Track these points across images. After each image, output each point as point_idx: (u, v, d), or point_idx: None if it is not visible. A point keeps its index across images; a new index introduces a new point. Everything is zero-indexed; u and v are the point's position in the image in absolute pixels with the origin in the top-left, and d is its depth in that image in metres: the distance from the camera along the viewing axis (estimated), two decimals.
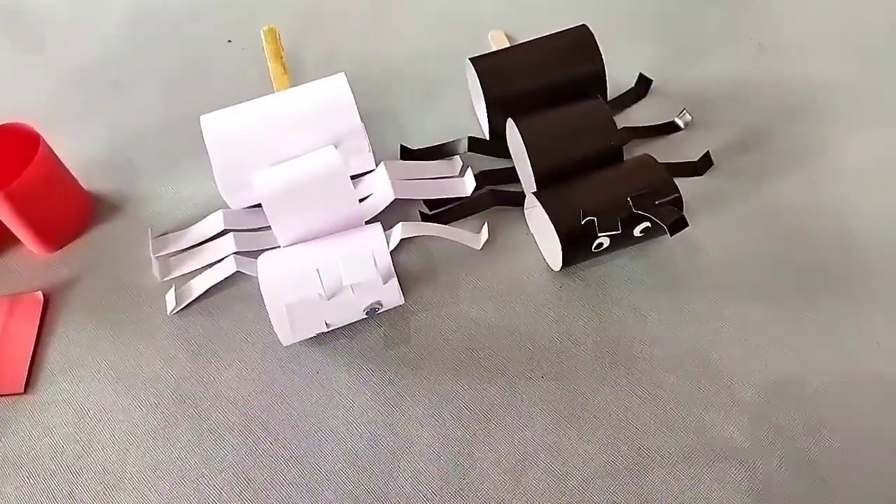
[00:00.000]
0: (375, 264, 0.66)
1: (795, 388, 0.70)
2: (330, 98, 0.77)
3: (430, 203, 0.83)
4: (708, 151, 0.84)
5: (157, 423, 0.71)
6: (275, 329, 0.68)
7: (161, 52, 1.02)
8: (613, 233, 0.69)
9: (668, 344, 0.74)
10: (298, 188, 0.71)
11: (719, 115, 0.90)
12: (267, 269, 0.69)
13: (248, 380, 0.74)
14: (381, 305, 0.71)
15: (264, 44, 0.90)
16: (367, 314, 0.71)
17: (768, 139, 0.88)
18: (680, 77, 0.93)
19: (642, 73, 0.91)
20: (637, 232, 0.73)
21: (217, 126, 0.76)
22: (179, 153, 0.90)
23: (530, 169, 0.77)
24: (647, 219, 0.71)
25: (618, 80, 0.91)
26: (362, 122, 0.77)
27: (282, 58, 0.90)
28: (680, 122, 0.88)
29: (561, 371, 0.72)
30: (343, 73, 0.79)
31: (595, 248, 0.73)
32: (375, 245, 0.70)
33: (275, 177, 0.72)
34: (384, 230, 0.76)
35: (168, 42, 1.04)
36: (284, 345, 0.72)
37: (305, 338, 0.72)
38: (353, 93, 0.78)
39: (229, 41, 1.02)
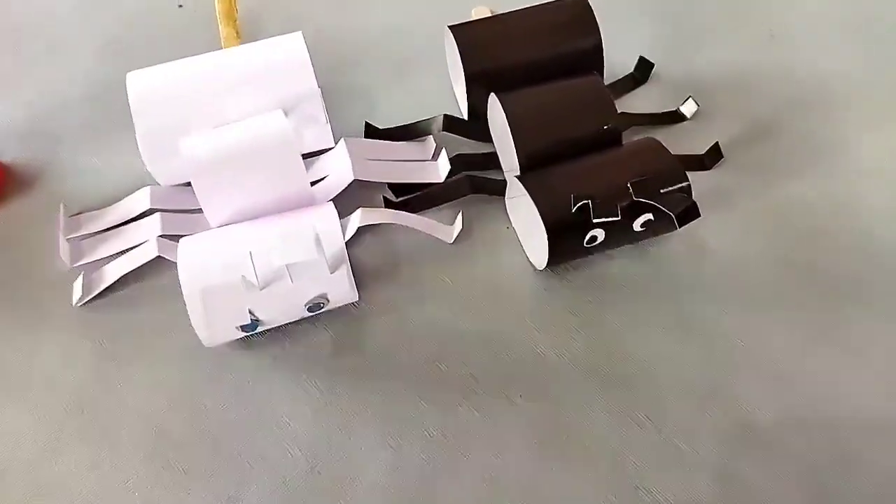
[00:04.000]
0: (319, 244, 0.54)
1: (821, 416, 0.59)
2: (282, 57, 0.65)
3: (396, 188, 0.71)
4: (717, 143, 0.74)
5: (47, 437, 0.59)
6: (193, 325, 0.56)
7: (103, 13, 0.91)
8: (611, 219, 0.57)
9: (670, 360, 0.62)
10: (234, 156, 0.59)
11: (727, 105, 0.80)
12: (188, 251, 0.57)
13: (163, 388, 0.61)
14: (328, 301, 0.58)
15: (216, 2, 0.79)
16: (309, 310, 0.58)
17: (781, 132, 0.78)
18: (684, 62, 0.83)
19: (643, 56, 0.81)
20: (637, 226, 0.62)
21: (145, 83, 0.64)
22: (112, 124, 0.78)
23: (514, 151, 0.66)
24: (649, 210, 0.60)
25: (615, 63, 0.81)
26: (320, 88, 0.66)
27: (235, 20, 0.78)
28: (685, 112, 0.78)
29: (544, 391, 0.61)
30: (300, 33, 0.68)
31: (587, 243, 0.61)
32: (324, 223, 0.58)
33: (205, 142, 0.60)
34: (341, 217, 0.64)
35: (111, 3, 0.92)
36: (206, 345, 0.59)
37: (231, 337, 0.59)
38: (314, 63, 0.66)
39: (180, 6, 0.90)
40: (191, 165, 0.58)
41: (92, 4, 0.92)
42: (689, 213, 0.58)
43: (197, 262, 0.56)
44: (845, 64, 0.84)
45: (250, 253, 0.54)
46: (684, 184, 0.61)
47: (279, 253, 0.53)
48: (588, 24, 0.72)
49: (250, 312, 0.56)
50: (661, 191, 0.60)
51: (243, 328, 0.57)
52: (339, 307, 0.63)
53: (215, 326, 0.56)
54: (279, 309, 0.57)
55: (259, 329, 0.58)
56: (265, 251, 0.54)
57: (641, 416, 0.59)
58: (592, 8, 0.73)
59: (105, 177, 0.74)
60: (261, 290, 0.54)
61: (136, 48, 0.87)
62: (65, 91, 0.83)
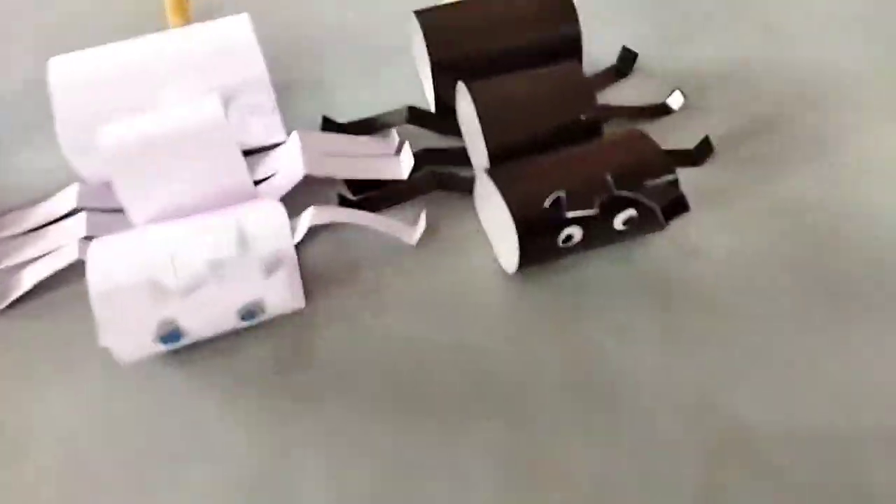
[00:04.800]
0: (244, 240, 0.47)
1: (828, 435, 0.52)
2: (224, 40, 0.59)
3: (354, 186, 0.65)
4: (707, 137, 0.68)
5: None
6: (101, 338, 0.48)
7: (45, 8, 0.85)
8: (587, 213, 0.50)
9: (660, 376, 0.55)
10: (157, 146, 0.52)
11: (719, 99, 0.73)
12: (99, 252, 0.49)
13: (80, 408, 0.53)
14: (264, 309, 0.51)
15: None
16: (242, 319, 0.51)
17: (778, 127, 0.71)
18: (670, 54, 0.77)
19: (626, 46, 0.76)
20: (619, 223, 0.55)
21: (68, 68, 0.58)
22: (45, 120, 0.70)
23: (483, 144, 0.60)
24: (632, 205, 0.53)
25: (595, 55, 0.75)
26: (270, 75, 0.60)
27: (186, 11, 0.73)
28: (671, 104, 0.72)
29: (514, 409, 0.53)
30: (246, 14, 0.62)
31: (563, 242, 0.55)
32: (260, 218, 0.51)
33: (124, 130, 0.53)
34: (291, 217, 0.58)
35: None
36: (122, 361, 0.51)
37: (150, 352, 0.52)
38: (270, 55, 0.60)
39: None
40: (107, 156, 0.52)
41: None
42: (677, 206, 0.52)
43: (107, 264, 0.48)
44: (846, 57, 0.78)
45: (170, 252, 0.47)
46: (671, 176, 0.55)
47: (201, 249, 0.46)
48: (565, 9, 0.67)
49: (171, 321, 0.48)
50: (645, 183, 0.54)
51: (163, 340, 0.49)
52: (283, 316, 0.56)
53: (128, 338, 0.48)
54: (206, 318, 0.50)
55: (183, 341, 0.51)
56: (185, 250, 0.47)
57: (625, 436, 0.52)
58: None
59: (32, 174, 0.67)
60: (181, 295, 0.47)
61: (81, 44, 0.80)
62: None
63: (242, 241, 0.48)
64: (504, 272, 0.60)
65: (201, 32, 0.60)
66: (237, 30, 0.60)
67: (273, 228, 0.52)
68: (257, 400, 0.53)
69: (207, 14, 0.81)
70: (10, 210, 0.64)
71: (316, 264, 0.60)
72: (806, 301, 0.59)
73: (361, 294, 0.59)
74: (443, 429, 0.53)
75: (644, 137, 0.58)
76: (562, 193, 0.51)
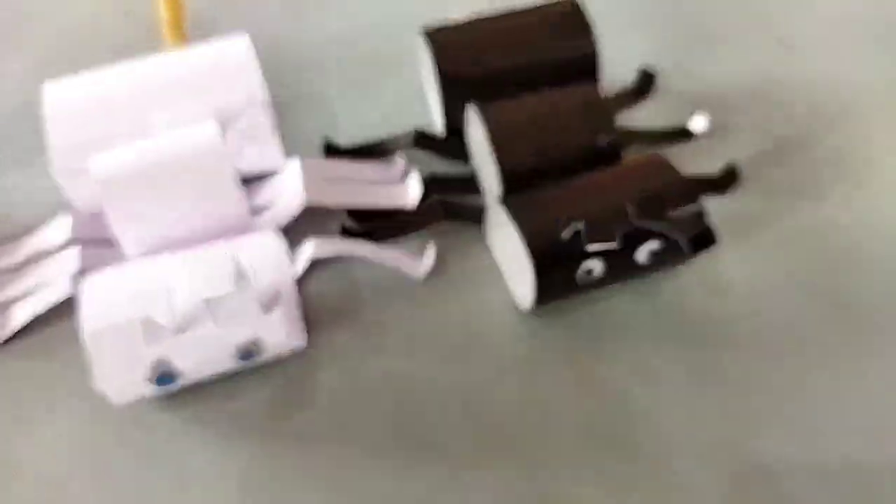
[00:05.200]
0: (241, 276, 0.44)
1: (859, 475, 0.48)
2: (222, 61, 0.57)
3: (357, 215, 0.62)
4: (733, 163, 0.64)
5: None
6: (94, 377, 0.45)
7: (39, 24, 0.83)
8: (608, 246, 0.47)
9: (686, 421, 0.51)
10: (151, 176, 0.50)
11: (741, 121, 0.70)
12: (92, 290, 0.47)
13: (66, 449, 0.50)
14: (262, 349, 0.48)
15: (162, 10, 0.71)
16: (241, 358, 0.48)
17: (801, 149, 0.67)
18: (689, 74, 0.74)
19: (644, 66, 0.72)
20: (642, 256, 0.51)
21: (63, 93, 0.56)
22: (38, 146, 0.69)
23: (495, 171, 0.56)
24: (655, 236, 0.50)
25: (615, 76, 0.72)
26: (270, 98, 0.57)
27: (182, 29, 0.70)
28: (694, 128, 0.68)
29: (529, 457, 0.50)
30: (246, 35, 0.59)
31: (582, 277, 0.51)
32: (257, 251, 0.48)
33: (117, 159, 0.50)
34: (291, 248, 0.55)
35: (52, 11, 0.85)
36: (115, 402, 0.48)
37: (143, 393, 0.49)
38: (269, 74, 0.58)
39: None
40: (99, 187, 0.49)
41: (28, 14, 0.84)
42: (703, 238, 0.48)
43: (99, 302, 0.45)
44: (870, 74, 0.75)
45: (164, 289, 0.44)
46: (695, 205, 0.51)
47: (183, 284, 0.43)
48: (581, 26, 0.64)
49: (164, 362, 0.45)
50: (669, 213, 0.50)
51: (158, 381, 0.46)
52: (283, 355, 0.53)
53: (121, 379, 0.45)
54: (201, 358, 0.47)
55: (178, 383, 0.48)
56: (179, 286, 0.44)
57: (649, 489, 0.48)
58: (587, 10, 0.64)
59: (26, 202, 0.64)
60: (175, 333, 0.44)
61: (75, 66, 0.79)
62: None
63: (239, 276, 0.45)
64: (518, 309, 0.57)
65: (200, 54, 0.58)
66: (237, 52, 0.57)
67: (271, 262, 0.49)
68: (254, 444, 0.50)
69: (203, 26, 0.79)
70: (2, 241, 0.62)
71: (317, 300, 0.57)
72: (835, 334, 0.55)
73: (365, 331, 0.56)
74: (451, 475, 0.49)
75: (665, 163, 0.55)
76: (581, 225, 0.47)
